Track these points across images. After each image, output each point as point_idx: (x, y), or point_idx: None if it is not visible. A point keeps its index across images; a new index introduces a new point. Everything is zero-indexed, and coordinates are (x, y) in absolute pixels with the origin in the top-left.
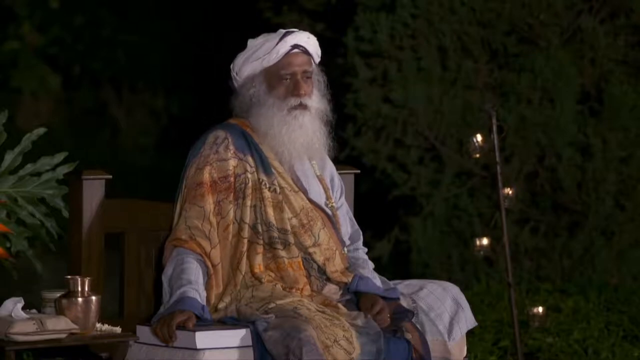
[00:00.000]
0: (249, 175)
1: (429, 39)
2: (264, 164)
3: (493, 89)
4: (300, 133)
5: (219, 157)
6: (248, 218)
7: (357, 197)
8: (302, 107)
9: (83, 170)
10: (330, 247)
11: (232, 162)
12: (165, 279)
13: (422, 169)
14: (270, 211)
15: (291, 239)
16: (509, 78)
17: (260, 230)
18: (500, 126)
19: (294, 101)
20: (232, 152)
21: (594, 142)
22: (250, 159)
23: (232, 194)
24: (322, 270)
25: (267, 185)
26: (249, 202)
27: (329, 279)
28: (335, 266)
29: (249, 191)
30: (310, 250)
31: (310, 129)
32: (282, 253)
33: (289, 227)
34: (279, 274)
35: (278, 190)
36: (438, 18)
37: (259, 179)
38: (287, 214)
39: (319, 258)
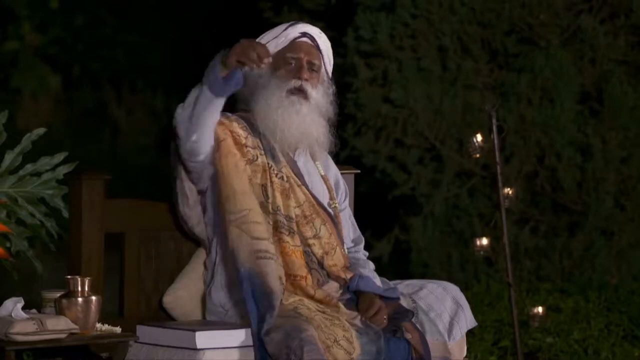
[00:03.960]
0: (259, 154)
1: (429, 39)
2: (271, 151)
3: (493, 89)
4: (296, 119)
5: (230, 126)
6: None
7: (357, 197)
8: (302, 92)
9: (83, 170)
10: (330, 242)
11: (243, 134)
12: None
13: (422, 169)
14: (278, 195)
15: (295, 228)
16: (509, 78)
17: (269, 209)
18: (500, 126)
19: (294, 83)
20: (242, 126)
21: (594, 142)
22: (259, 142)
23: (244, 159)
24: (321, 264)
25: (275, 172)
26: (259, 179)
27: (329, 276)
28: (334, 260)
29: (259, 167)
30: (310, 241)
31: (308, 117)
32: (287, 239)
33: (293, 216)
34: (284, 259)
35: (285, 178)
36: (438, 18)
37: (267, 163)
38: (292, 202)
39: (318, 251)
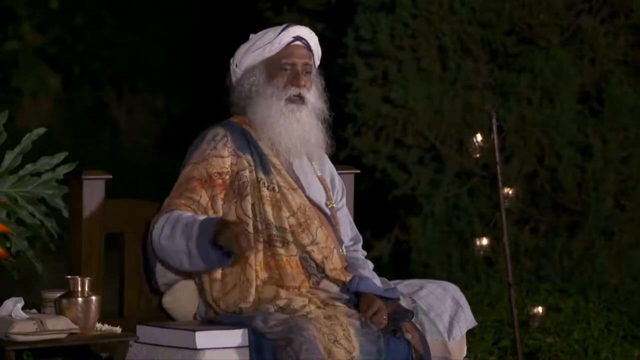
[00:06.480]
0: (247, 174)
1: (429, 39)
2: (262, 163)
3: (493, 89)
4: (297, 127)
5: (216, 153)
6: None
7: (357, 197)
8: (301, 99)
9: (83, 170)
10: (328, 246)
11: (230, 160)
12: (161, 238)
13: (422, 169)
14: (268, 209)
15: (289, 238)
16: (509, 78)
17: (259, 228)
18: (500, 126)
19: (293, 91)
20: (230, 149)
21: (594, 142)
22: (249, 157)
23: (224, 192)
24: (320, 269)
25: (266, 184)
26: (248, 201)
27: (326, 277)
28: (334, 264)
29: (248, 189)
30: (309, 248)
31: (307, 124)
32: (281, 251)
33: (287, 226)
34: (278, 272)
35: (276, 189)
36: (438, 18)
37: (257, 177)
38: (285, 212)
39: (317, 256)
